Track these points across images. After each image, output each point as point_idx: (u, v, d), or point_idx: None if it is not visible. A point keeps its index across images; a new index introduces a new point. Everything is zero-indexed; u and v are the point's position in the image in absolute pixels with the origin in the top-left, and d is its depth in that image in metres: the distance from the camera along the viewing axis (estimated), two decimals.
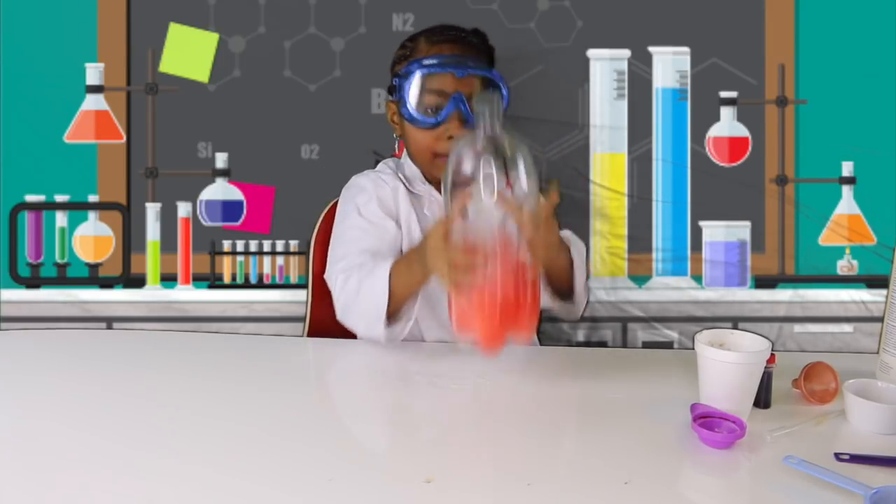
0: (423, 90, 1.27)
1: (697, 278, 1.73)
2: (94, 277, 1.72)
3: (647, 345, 1.72)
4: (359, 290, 1.18)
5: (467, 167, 1.03)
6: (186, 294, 1.73)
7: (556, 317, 1.34)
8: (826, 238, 1.72)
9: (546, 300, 1.21)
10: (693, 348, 0.99)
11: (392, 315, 1.16)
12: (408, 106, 1.27)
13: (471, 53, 1.31)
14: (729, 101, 1.72)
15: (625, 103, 1.72)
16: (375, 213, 1.30)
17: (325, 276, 1.27)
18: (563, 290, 1.24)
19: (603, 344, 1.73)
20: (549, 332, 1.66)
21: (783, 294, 1.73)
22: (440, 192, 1.34)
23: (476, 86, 1.28)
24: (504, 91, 1.30)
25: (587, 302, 1.30)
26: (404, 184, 1.34)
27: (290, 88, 1.71)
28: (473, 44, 1.34)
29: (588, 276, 1.29)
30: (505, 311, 1.00)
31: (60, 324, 1.70)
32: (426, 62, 1.26)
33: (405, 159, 1.38)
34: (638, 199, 1.72)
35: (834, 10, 1.69)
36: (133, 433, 0.92)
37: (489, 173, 1.01)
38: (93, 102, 1.70)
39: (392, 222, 1.30)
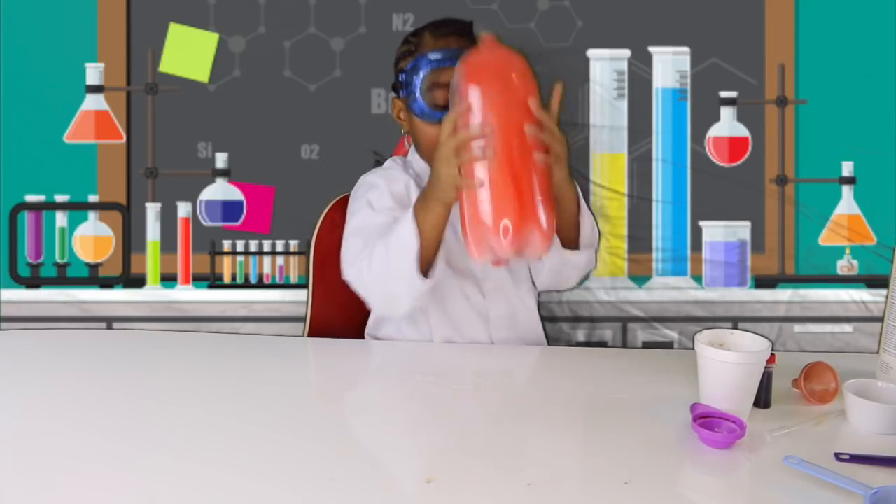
0: (433, 84, 1.26)
1: (697, 278, 1.73)
2: (94, 277, 1.72)
3: (647, 345, 1.72)
4: (388, 252, 1.16)
5: None
6: (186, 294, 1.73)
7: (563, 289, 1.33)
8: (826, 238, 1.72)
9: (555, 252, 1.21)
10: (693, 348, 0.99)
11: (425, 266, 1.15)
12: (417, 101, 1.26)
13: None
14: (729, 101, 1.72)
15: (625, 103, 1.72)
16: (389, 205, 1.28)
17: (345, 276, 1.24)
18: (571, 237, 1.23)
19: (603, 344, 1.73)
20: (549, 331, 1.67)
21: (783, 294, 1.73)
22: None
23: None
24: None
25: (597, 249, 1.29)
26: (414, 180, 1.33)
27: (290, 88, 1.71)
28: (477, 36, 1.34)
29: (598, 229, 1.29)
30: (519, 200, 1.03)
31: (60, 324, 1.70)
32: (433, 56, 1.25)
33: (413, 155, 1.37)
34: (638, 199, 1.72)
35: (834, 10, 1.69)
36: (133, 433, 0.92)
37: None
38: (93, 102, 1.70)
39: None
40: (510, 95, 1.07)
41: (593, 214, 1.27)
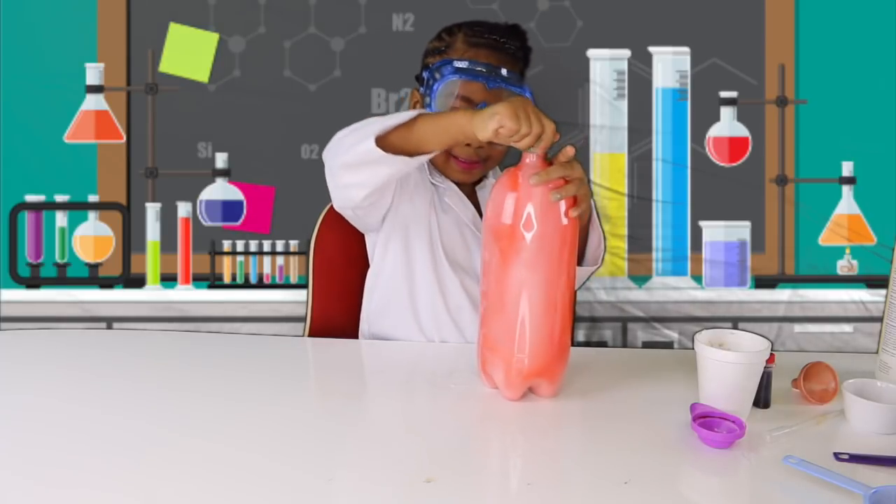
0: (451, 94, 1.24)
1: (697, 278, 1.73)
2: (94, 277, 1.72)
3: (647, 345, 1.72)
4: (367, 121, 1.11)
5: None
6: (186, 294, 1.73)
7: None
8: (826, 238, 1.72)
9: None
10: (693, 348, 0.99)
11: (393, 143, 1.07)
12: (433, 105, 1.25)
13: (506, 63, 1.27)
14: (729, 101, 1.72)
15: (625, 103, 1.72)
16: None
17: (324, 156, 1.20)
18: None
19: (603, 344, 1.73)
20: None
21: (783, 294, 1.73)
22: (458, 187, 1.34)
23: (504, 98, 1.26)
24: None
25: (603, 255, 1.23)
26: (426, 176, 1.33)
27: (290, 88, 1.71)
28: (510, 52, 1.31)
29: (603, 237, 1.24)
30: (533, 367, 1.00)
31: (60, 324, 1.70)
32: (459, 65, 1.22)
33: None
34: (638, 199, 1.72)
35: (834, 10, 1.69)
36: (133, 432, 0.92)
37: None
38: (93, 102, 1.70)
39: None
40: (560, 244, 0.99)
41: (601, 225, 1.25)
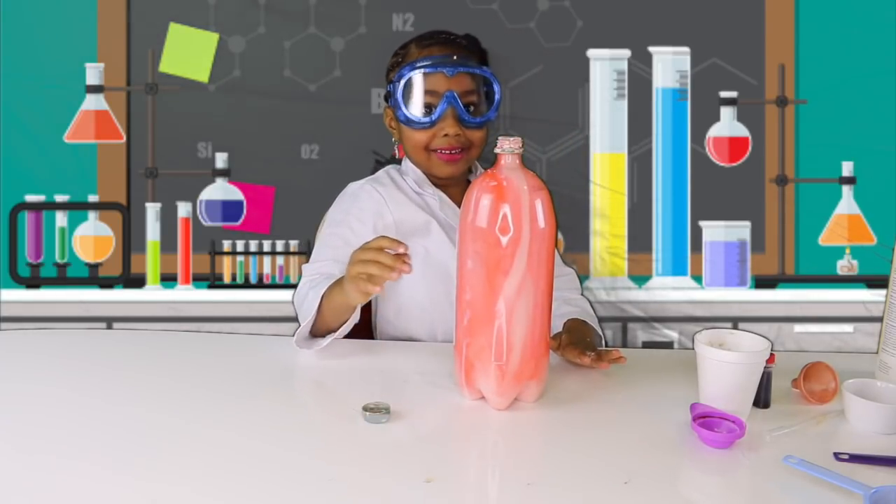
0: (416, 91, 1.28)
1: (697, 278, 1.73)
2: (94, 277, 1.72)
3: (647, 345, 1.72)
4: (303, 300, 1.23)
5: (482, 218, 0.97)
6: (186, 294, 1.73)
7: None
8: (826, 238, 1.72)
9: None
10: (693, 348, 0.99)
11: (321, 329, 1.19)
12: (402, 108, 1.28)
13: (461, 53, 1.32)
14: (729, 101, 1.72)
15: (625, 103, 1.72)
16: (358, 226, 1.29)
17: (303, 267, 1.32)
18: None
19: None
20: None
21: (783, 294, 1.73)
22: (446, 192, 1.35)
23: (468, 83, 1.29)
24: (496, 87, 1.30)
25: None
26: (413, 188, 1.34)
27: (290, 88, 1.71)
28: (463, 45, 1.35)
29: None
30: (517, 373, 0.99)
31: (60, 324, 1.70)
32: (417, 64, 1.28)
33: (406, 164, 1.38)
34: (638, 199, 1.72)
35: (834, 10, 1.69)
36: (133, 432, 0.92)
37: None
38: (93, 102, 1.70)
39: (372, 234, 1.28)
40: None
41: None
